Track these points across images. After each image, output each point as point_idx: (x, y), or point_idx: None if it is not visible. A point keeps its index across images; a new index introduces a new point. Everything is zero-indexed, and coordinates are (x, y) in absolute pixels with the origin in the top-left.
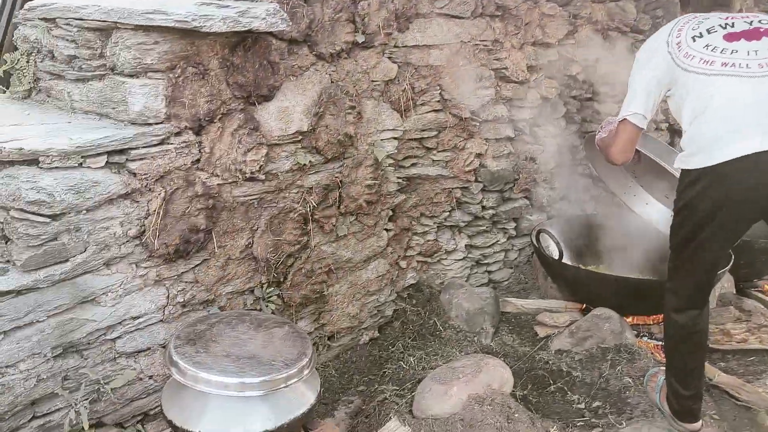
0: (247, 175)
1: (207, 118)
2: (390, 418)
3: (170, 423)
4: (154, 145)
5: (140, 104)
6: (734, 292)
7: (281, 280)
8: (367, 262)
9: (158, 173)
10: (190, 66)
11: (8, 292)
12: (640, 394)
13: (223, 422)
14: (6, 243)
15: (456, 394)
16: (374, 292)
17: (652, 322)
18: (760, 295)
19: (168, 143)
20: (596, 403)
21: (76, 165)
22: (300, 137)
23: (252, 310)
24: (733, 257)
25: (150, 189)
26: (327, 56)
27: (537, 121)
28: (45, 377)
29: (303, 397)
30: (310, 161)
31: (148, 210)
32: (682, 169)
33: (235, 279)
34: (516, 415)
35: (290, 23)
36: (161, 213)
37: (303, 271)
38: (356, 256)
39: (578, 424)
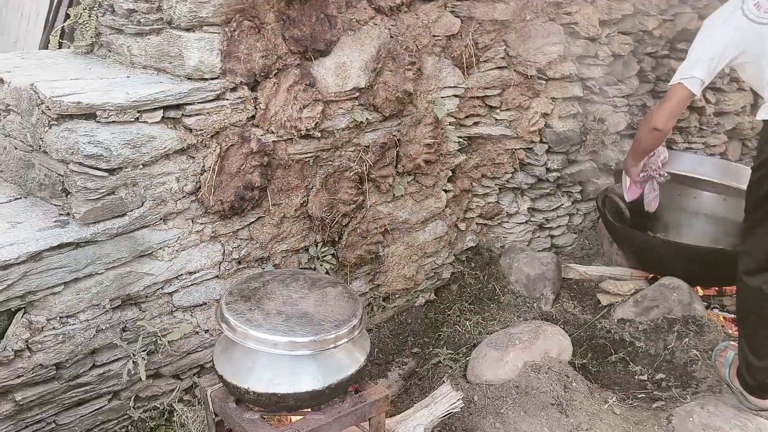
0: (302, 133)
1: (262, 74)
2: (443, 381)
3: (220, 377)
4: (210, 101)
5: (196, 59)
6: None
7: (336, 239)
8: (425, 223)
9: (214, 129)
10: (246, 19)
11: (68, 245)
12: (707, 369)
13: (271, 379)
14: (66, 196)
15: (512, 360)
16: (431, 254)
17: (724, 294)
18: None
19: (223, 99)
20: (659, 376)
21: (133, 120)
22: (357, 94)
23: (306, 269)
24: None
25: (205, 145)
26: (386, 10)
27: (608, 79)
28: (104, 328)
29: (352, 357)
30: (367, 119)
31: (203, 166)
32: (764, 120)
33: (289, 237)
34: (573, 384)
35: None
36: (216, 169)
37: (358, 231)
38: (413, 217)
39: (639, 396)
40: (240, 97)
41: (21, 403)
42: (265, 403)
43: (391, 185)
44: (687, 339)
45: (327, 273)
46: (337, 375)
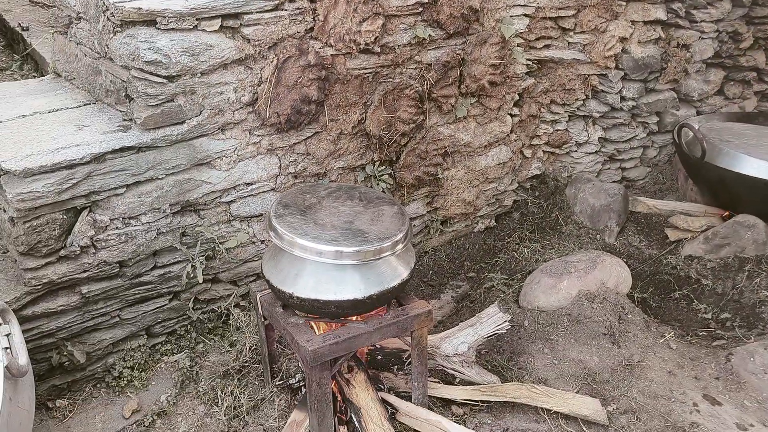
0: (361, 47)
1: None
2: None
3: (268, 282)
4: (268, 11)
5: None
6: None
7: (393, 159)
8: (488, 147)
9: (271, 40)
10: None
11: (129, 148)
12: None
13: (315, 286)
14: (129, 102)
15: (565, 288)
16: (493, 179)
17: None
18: None
19: (282, 9)
20: (724, 315)
21: (191, 27)
22: (420, 9)
23: (359, 185)
24: None
25: (263, 56)
26: None
27: (696, 2)
28: (164, 231)
29: (395, 271)
30: (430, 35)
31: (260, 77)
32: None
33: (346, 154)
34: (629, 316)
35: None
36: (273, 81)
37: (417, 151)
38: (476, 140)
39: (700, 333)
40: (299, 8)
41: (87, 296)
42: (309, 309)
43: (453, 106)
44: (758, 279)
45: (383, 192)
46: (378, 286)
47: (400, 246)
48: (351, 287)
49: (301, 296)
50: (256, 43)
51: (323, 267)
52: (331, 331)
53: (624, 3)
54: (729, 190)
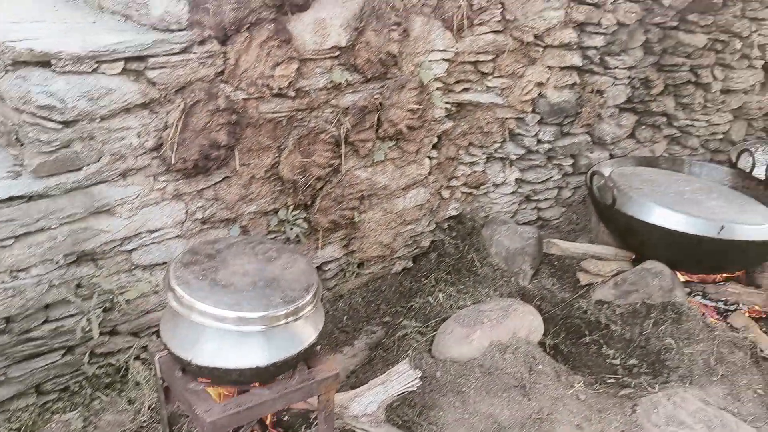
0: (274, 91)
1: (233, 27)
2: (407, 355)
3: (165, 346)
4: (175, 54)
5: (161, 8)
6: None
7: (309, 203)
8: (406, 190)
9: (179, 83)
10: None
11: (20, 197)
12: (680, 357)
13: (216, 353)
14: (21, 146)
15: (478, 338)
16: (411, 221)
17: (707, 282)
18: None
19: (190, 52)
20: (632, 361)
21: (90, 70)
22: (337, 53)
23: (266, 238)
24: None
25: (169, 100)
26: None
27: (610, 49)
28: (57, 283)
29: (303, 334)
30: (346, 80)
31: (166, 122)
32: None
33: (258, 199)
34: (540, 367)
35: None
36: (180, 126)
37: (333, 195)
38: (393, 183)
39: (608, 380)
40: (208, 51)
41: None
42: (209, 376)
43: (370, 150)
44: (664, 326)
45: (297, 237)
46: (284, 352)
47: (308, 308)
48: (254, 354)
49: (200, 364)
50: (162, 86)
51: (224, 333)
52: (232, 399)
53: (541, 49)
54: (637, 237)
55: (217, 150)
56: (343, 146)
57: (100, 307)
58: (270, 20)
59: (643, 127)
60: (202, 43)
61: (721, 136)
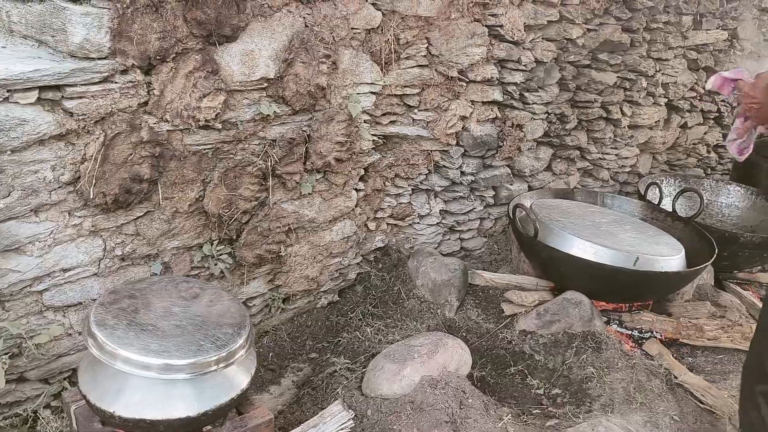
0: (201, 123)
1: (158, 57)
2: (337, 393)
3: (84, 396)
4: (96, 83)
5: (81, 35)
6: (713, 284)
7: (234, 237)
8: (333, 222)
9: (99, 114)
10: None
11: None
12: (601, 386)
13: (141, 404)
14: None
15: (408, 374)
16: (338, 254)
17: (622, 310)
18: (738, 288)
19: (111, 81)
20: (555, 391)
21: (1, 99)
22: (265, 84)
23: (190, 277)
24: (716, 250)
25: (88, 131)
26: None
27: (529, 85)
28: None
29: (234, 380)
30: (275, 112)
31: (84, 154)
32: None
33: (182, 234)
34: (469, 401)
35: None
36: (99, 159)
37: (259, 229)
38: (321, 215)
39: (534, 411)
40: (131, 81)
41: None
42: (133, 428)
43: (298, 182)
44: (585, 356)
45: (222, 273)
46: (215, 400)
47: (241, 353)
48: (183, 404)
49: (124, 416)
50: (81, 117)
51: (150, 382)
52: None
53: (465, 84)
54: (558, 268)
55: (139, 184)
56: (271, 179)
57: (6, 353)
58: (197, 50)
59: (559, 159)
60: (124, 72)
61: (629, 169)
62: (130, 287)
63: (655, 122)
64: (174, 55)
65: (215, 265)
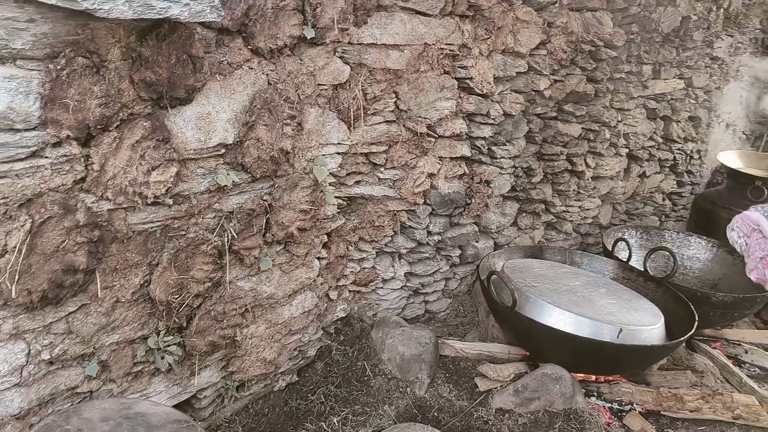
0: (149, 200)
1: (99, 126)
2: None
3: None
4: (21, 159)
5: (3, 103)
6: (683, 345)
7: (184, 325)
8: (293, 296)
9: (24, 196)
10: (80, 56)
11: None
12: None
13: None
14: None
15: None
16: (297, 330)
17: (600, 381)
18: (708, 348)
19: (41, 156)
20: None
21: None
22: (223, 151)
23: (128, 398)
24: (696, 317)
25: (10, 217)
26: (266, 52)
27: (497, 139)
28: None
29: None
30: (233, 181)
31: (5, 245)
32: None
33: (123, 326)
34: None
35: (222, 11)
36: (24, 250)
37: (213, 313)
38: (280, 290)
39: None
40: (65, 155)
41: None
42: None
43: (257, 258)
44: None
45: (170, 366)
46: None
47: None
48: None
49: None
50: (1, 201)
51: None
52: None
53: (433, 139)
54: (537, 340)
55: (73, 275)
56: (227, 256)
57: None
58: (145, 116)
59: (525, 214)
60: (57, 145)
61: (590, 220)
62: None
63: (617, 173)
64: (118, 122)
65: (162, 359)
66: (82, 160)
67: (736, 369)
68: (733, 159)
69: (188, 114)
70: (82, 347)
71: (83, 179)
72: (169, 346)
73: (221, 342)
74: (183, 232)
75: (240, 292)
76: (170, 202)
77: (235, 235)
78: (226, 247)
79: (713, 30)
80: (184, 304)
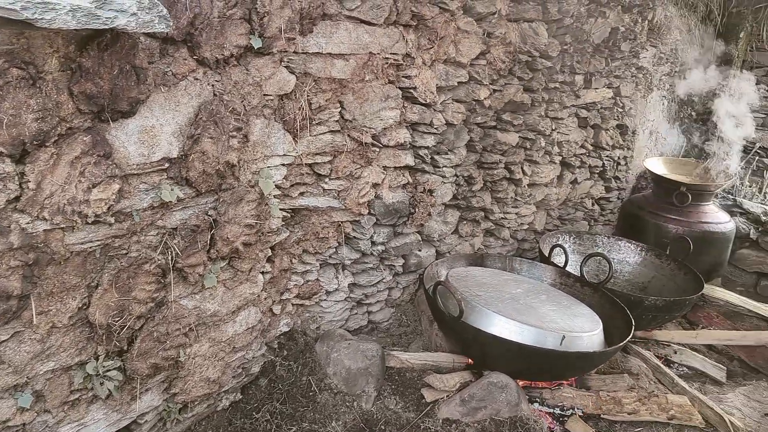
0: (89, 219)
1: (36, 142)
2: None
3: None
4: None
5: None
6: None
7: (125, 348)
8: (236, 313)
9: None
10: (15, 66)
11: None
12: None
13: None
14: None
15: None
16: (241, 347)
17: (543, 387)
18: (640, 350)
19: None
20: None
21: None
22: (167, 165)
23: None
24: (633, 322)
25: None
26: (212, 62)
27: (439, 148)
28: None
29: None
30: (177, 197)
31: None
32: None
33: (59, 353)
34: None
35: (170, 21)
36: None
37: (155, 334)
38: (224, 307)
39: None
40: None
41: None
42: None
43: (201, 275)
44: None
45: (109, 393)
46: None
47: None
48: None
49: None
50: None
51: None
52: None
53: (378, 149)
54: (482, 349)
55: (6, 301)
56: (171, 275)
57: None
58: (85, 130)
59: (465, 222)
60: None
61: (526, 227)
62: None
63: (551, 180)
64: (56, 137)
65: (101, 384)
66: (17, 178)
67: (667, 369)
68: (657, 165)
69: (131, 127)
70: (14, 377)
71: (17, 198)
72: (108, 371)
73: (164, 364)
74: (124, 251)
75: (184, 311)
76: (111, 220)
77: (179, 252)
78: (170, 265)
79: (639, 41)
80: (125, 326)
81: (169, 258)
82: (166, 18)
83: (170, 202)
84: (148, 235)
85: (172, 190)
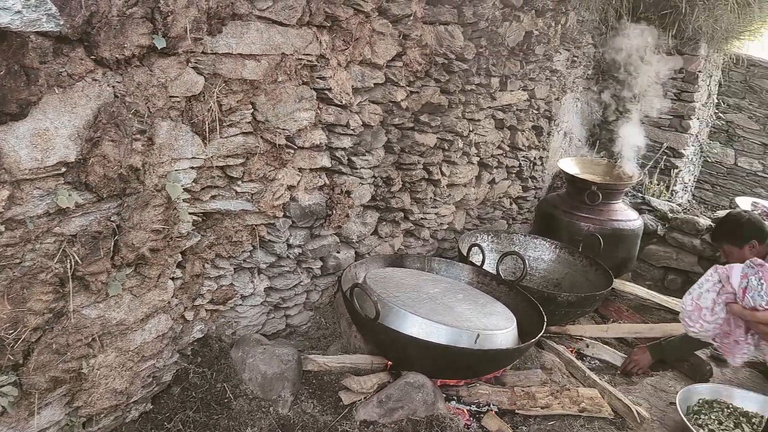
0: None
1: None
2: None
3: None
4: None
5: None
6: None
7: (20, 362)
8: (145, 321)
9: None
10: None
11: None
12: None
13: None
14: None
15: None
16: (151, 356)
17: (459, 384)
18: (554, 345)
19: None
20: None
21: None
22: (63, 170)
23: None
24: (545, 318)
25: None
26: (112, 63)
27: (357, 150)
28: None
29: None
30: (76, 203)
31: None
32: None
33: None
34: None
35: (61, 19)
36: None
37: (54, 346)
38: (131, 315)
39: None
40: None
41: None
42: None
43: (104, 283)
44: None
45: (3, 410)
46: None
47: None
48: None
49: None
50: None
51: None
52: None
53: (293, 151)
54: (399, 350)
55: None
56: (70, 283)
57: None
58: None
59: (384, 223)
60: None
61: (446, 226)
62: None
63: (469, 180)
64: None
65: None
66: None
67: (579, 363)
68: (570, 165)
69: (22, 131)
70: None
71: None
72: (2, 386)
73: (65, 376)
74: (18, 261)
75: (86, 321)
76: (2, 228)
77: (79, 260)
78: (69, 274)
79: (552, 45)
80: (20, 339)
81: (68, 266)
82: (55, 16)
83: (68, 208)
84: (44, 243)
85: (69, 195)
